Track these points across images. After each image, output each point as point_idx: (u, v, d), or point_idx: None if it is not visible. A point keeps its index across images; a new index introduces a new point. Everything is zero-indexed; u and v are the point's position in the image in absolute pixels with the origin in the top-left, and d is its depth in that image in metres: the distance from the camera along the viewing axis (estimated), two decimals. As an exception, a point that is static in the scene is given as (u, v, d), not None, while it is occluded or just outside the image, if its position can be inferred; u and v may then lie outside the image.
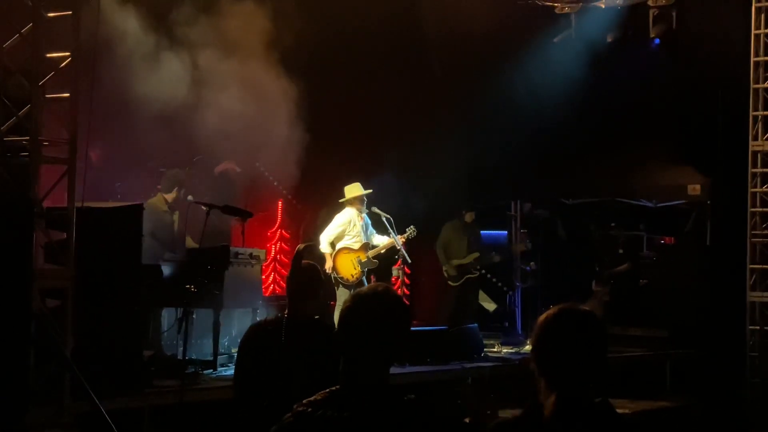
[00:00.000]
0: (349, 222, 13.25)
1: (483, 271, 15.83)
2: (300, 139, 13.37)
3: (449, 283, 15.61)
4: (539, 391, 3.61)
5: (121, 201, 12.00)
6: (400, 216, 13.72)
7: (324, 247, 13.09)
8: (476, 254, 15.59)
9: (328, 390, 3.54)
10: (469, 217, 15.76)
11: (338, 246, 13.22)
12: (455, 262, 15.48)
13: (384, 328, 3.56)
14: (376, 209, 13.34)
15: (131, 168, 13.10)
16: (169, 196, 12.10)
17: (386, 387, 3.54)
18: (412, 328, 11.90)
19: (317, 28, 13.49)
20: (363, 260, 13.22)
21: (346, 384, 3.53)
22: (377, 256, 13.42)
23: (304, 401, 3.53)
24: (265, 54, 13.06)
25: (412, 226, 13.49)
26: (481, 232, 16.05)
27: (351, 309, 3.60)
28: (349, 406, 3.47)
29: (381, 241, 13.46)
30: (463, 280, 15.51)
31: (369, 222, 13.50)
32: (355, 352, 3.54)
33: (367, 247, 13.29)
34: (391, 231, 13.22)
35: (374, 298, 3.62)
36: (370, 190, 13.37)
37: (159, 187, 12.28)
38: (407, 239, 13.49)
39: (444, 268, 15.59)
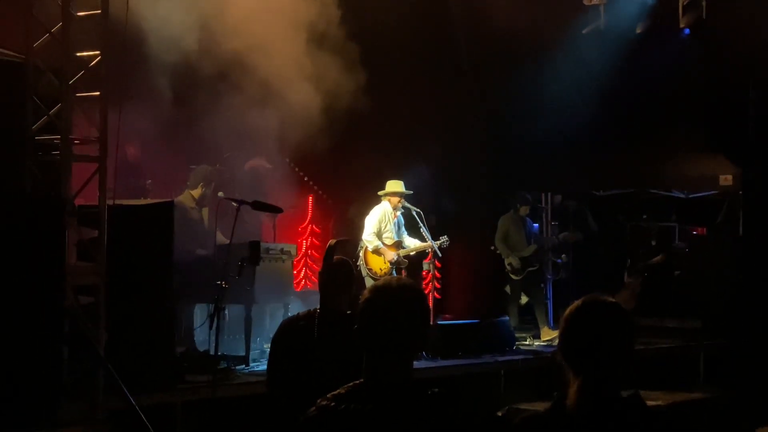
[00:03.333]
0: (384, 215, 13.27)
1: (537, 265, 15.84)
2: (330, 134, 13.38)
3: (512, 276, 15.61)
4: (568, 384, 3.61)
5: (151, 198, 12.07)
6: (429, 209, 13.72)
7: (375, 242, 13.09)
8: (535, 246, 15.62)
9: (351, 383, 3.54)
10: (524, 210, 15.78)
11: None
12: (518, 254, 15.51)
13: (402, 321, 3.54)
14: (406, 203, 13.34)
15: (162, 165, 13.15)
16: (196, 192, 12.16)
17: (409, 380, 3.53)
18: (444, 322, 11.93)
19: (345, 22, 13.48)
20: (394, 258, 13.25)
21: (369, 378, 3.53)
22: (407, 257, 13.43)
23: (328, 395, 3.54)
24: (297, 50, 13.06)
25: (446, 236, 13.47)
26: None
27: (369, 302, 3.59)
28: (373, 399, 3.46)
29: (412, 243, 13.48)
30: (525, 272, 15.53)
31: (402, 222, 13.51)
32: (376, 346, 3.54)
33: (399, 245, 13.30)
34: (421, 225, 13.22)
35: (391, 291, 3.60)
36: (411, 192, 13.38)
37: (187, 183, 12.33)
38: (440, 247, 13.46)
39: (507, 261, 15.56)
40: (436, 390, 3.53)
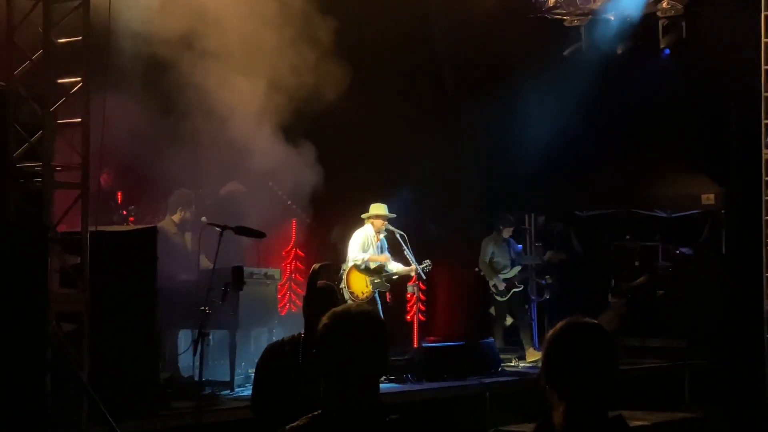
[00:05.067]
0: (367, 239, 13.24)
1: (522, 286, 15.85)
2: (313, 157, 13.38)
3: (496, 297, 15.58)
4: (552, 407, 3.60)
5: (134, 224, 12.04)
6: (414, 231, 13.71)
7: (363, 257, 13.05)
8: (519, 268, 15.62)
9: (310, 414, 3.51)
10: (507, 232, 15.80)
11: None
12: (503, 275, 15.49)
13: (359, 347, 3.52)
14: (389, 226, 13.32)
15: (144, 191, 13.12)
16: (176, 217, 12.17)
17: (368, 408, 3.50)
18: (429, 344, 11.89)
19: (330, 43, 13.49)
20: (376, 281, 13.20)
21: (328, 406, 3.50)
22: (390, 281, 13.39)
23: (286, 427, 3.51)
24: (278, 73, 13.06)
25: (428, 261, 13.45)
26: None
27: (327, 327, 3.57)
28: (331, 429, 3.44)
29: (395, 266, 13.44)
30: (510, 294, 15.51)
31: (385, 245, 13.47)
32: (334, 372, 3.51)
33: (381, 269, 13.26)
34: (405, 248, 13.20)
35: (349, 317, 3.58)
36: (394, 215, 13.36)
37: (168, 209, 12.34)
38: (423, 270, 13.42)
39: (491, 283, 15.55)
40: (395, 417, 3.51)
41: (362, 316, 3.61)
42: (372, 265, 13.18)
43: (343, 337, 3.53)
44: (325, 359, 3.53)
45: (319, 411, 3.50)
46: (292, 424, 3.51)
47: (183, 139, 12.22)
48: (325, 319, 3.60)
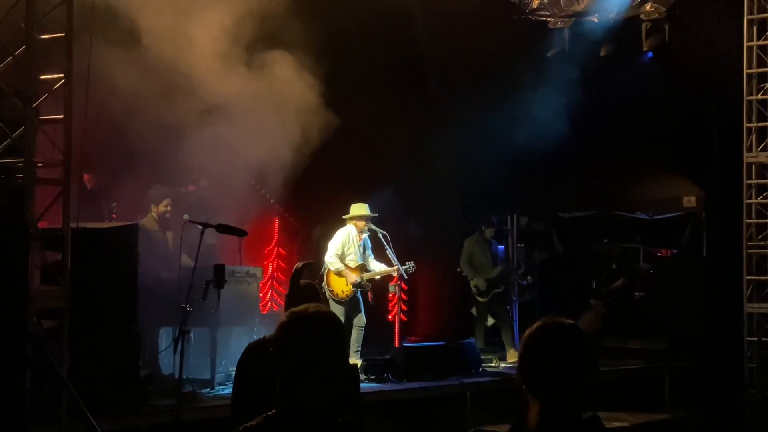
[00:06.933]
0: (348, 238, 13.22)
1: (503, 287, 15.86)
2: (296, 155, 13.36)
3: (478, 298, 15.57)
4: (528, 407, 3.61)
5: (116, 221, 12.01)
6: (396, 231, 13.71)
7: (337, 264, 13.03)
8: (500, 268, 15.63)
9: (264, 415, 3.52)
10: (489, 232, 15.78)
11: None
12: (484, 276, 15.48)
13: (314, 348, 3.52)
14: (372, 225, 13.31)
15: (126, 188, 13.08)
16: (154, 212, 12.15)
17: (321, 408, 3.50)
18: (410, 344, 11.89)
19: (311, 43, 13.48)
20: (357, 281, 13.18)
21: (282, 406, 3.50)
22: (371, 280, 13.37)
23: (240, 428, 3.51)
24: (261, 69, 13.05)
25: (412, 262, 13.44)
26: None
27: (284, 326, 3.57)
28: (284, 428, 3.45)
29: (378, 267, 13.43)
30: (491, 294, 15.51)
31: (369, 244, 13.46)
32: (289, 372, 3.51)
33: (362, 268, 13.23)
34: (387, 248, 13.20)
35: (306, 317, 3.58)
36: (376, 214, 13.35)
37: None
38: (406, 272, 13.41)
39: (473, 283, 15.53)
40: (348, 417, 3.52)
41: (319, 316, 3.61)
42: (351, 265, 13.15)
43: (299, 337, 3.53)
44: (280, 358, 3.54)
45: (273, 411, 3.51)
46: (246, 424, 3.51)
47: (168, 136, 12.21)
48: (282, 318, 3.61)
